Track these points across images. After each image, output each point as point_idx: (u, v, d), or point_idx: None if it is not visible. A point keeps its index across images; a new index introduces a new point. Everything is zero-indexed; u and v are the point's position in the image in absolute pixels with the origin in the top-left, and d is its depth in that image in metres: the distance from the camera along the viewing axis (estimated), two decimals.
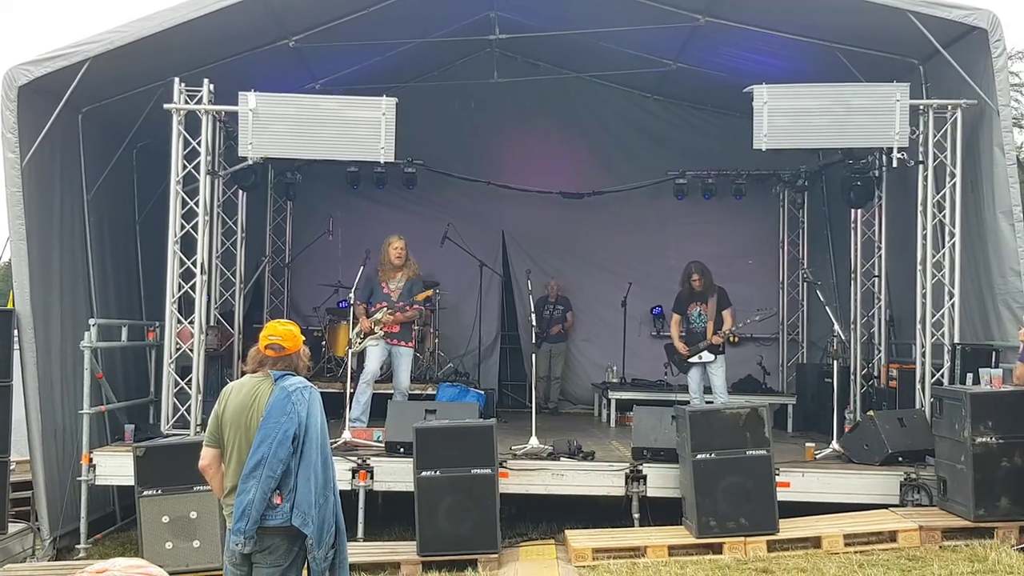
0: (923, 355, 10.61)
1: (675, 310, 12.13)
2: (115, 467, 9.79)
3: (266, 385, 5.56)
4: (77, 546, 9.85)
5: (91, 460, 9.88)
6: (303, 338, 5.83)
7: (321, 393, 5.83)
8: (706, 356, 11.70)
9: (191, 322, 10.58)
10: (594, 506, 10.22)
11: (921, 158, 10.63)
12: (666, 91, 15.50)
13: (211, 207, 11.09)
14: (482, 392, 13.39)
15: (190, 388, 10.43)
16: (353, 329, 11.15)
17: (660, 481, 9.65)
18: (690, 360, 11.78)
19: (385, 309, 11.08)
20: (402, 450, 9.66)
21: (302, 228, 16.05)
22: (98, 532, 10.32)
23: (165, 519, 8.57)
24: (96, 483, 9.92)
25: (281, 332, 5.69)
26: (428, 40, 13.32)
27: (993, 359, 9.87)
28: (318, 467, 5.45)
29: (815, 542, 8.70)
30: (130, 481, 8.88)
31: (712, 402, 11.48)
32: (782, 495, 9.14)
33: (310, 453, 5.43)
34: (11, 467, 10.00)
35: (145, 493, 8.64)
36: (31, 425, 9.94)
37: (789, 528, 8.90)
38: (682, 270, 12.23)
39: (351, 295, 11.15)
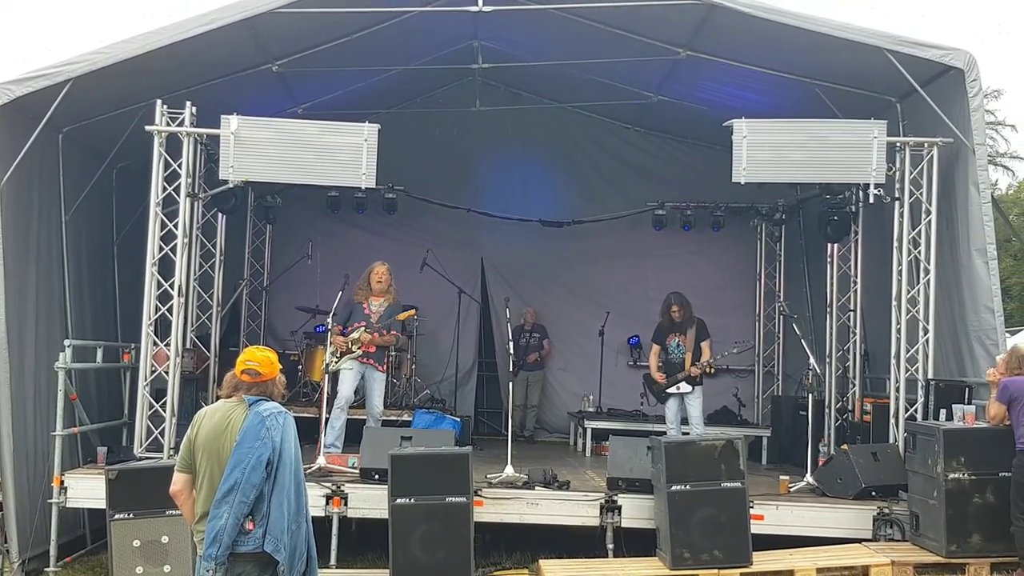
0: (897, 390, 10.67)
1: (654, 340, 12.14)
2: (87, 490, 9.71)
3: (240, 410, 5.54)
4: (46, 569, 9.74)
5: (62, 482, 9.80)
6: (280, 366, 5.82)
7: (296, 418, 5.83)
8: (684, 387, 11.71)
9: (167, 344, 10.55)
10: (569, 536, 10.18)
11: (897, 195, 10.73)
12: (647, 123, 15.60)
13: (190, 229, 11.06)
14: (458, 419, 13.34)
15: (164, 411, 10.37)
16: (328, 349, 11.12)
17: (635, 512, 9.64)
18: (668, 391, 11.80)
19: (363, 328, 11.07)
20: (377, 477, 9.63)
21: (281, 252, 16.02)
22: (68, 555, 10.21)
23: (136, 543, 8.50)
24: (67, 505, 9.83)
25: (259, 358, 5.68)
26: (411, 67, 13.37)
27: (967, 395, 9.94)
28: (291, 493, 5.43)
29: (788, 575, 8.70)
30: (101, 504, 8.82)
31: (688, 433, 11.49)
32: (756, 528, 9.15)
33: (283, 479, 5.41)
34: None
35: (116, 516, 8.58)
36: (2, 446, 9.82)
37: (762, 561, 8.90)
38: (660, 300, 12.27)
39: (329, 320, 11.13)
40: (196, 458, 5.54)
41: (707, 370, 11.84)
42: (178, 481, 5.63)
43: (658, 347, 12.02)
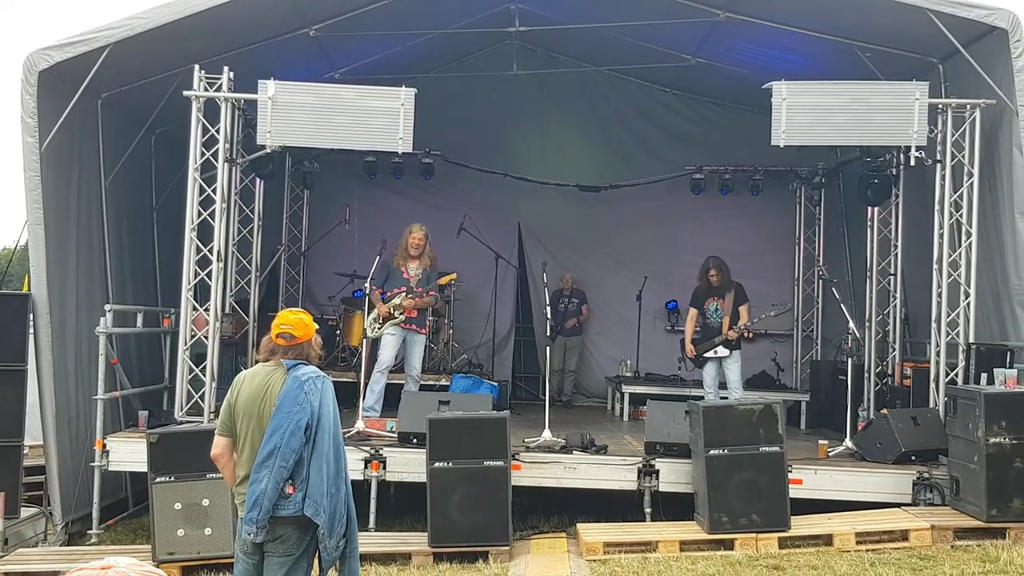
0: (938, 354, 10.58)
1: (692, 304, 12.09)
2: (128, 453, 9.83)
3: (279, 374, 5.56)
4: (89, 531, 9.91)
5: (104, 446, 9.92)
6: (316, 327, 5.82)
7: (335, 382, 5.85)
8: (721, 351, 11.67)
9: (206, 309, 10.61)
10: (606, 500, 10.21)
11: (939, 157, 10.59)
12: (685, 86, 15.49)
13: (228, 195, 11.10)
14: (496, 384, 13.38)
15: (204, 375, 10.46)
16: (369, 315, 11.16)
17: (673, 476, 9.65)
18: (705, 355, 11.76)
19: (404, 294, 11.12)
20: (415, 441, 9.68)
21: (319, 217, 16.06)
22: (110, 518, 10.40)
23: (177, 506, 8.59)
24: (109, 469, 9.97)
25: (292, 321, 5.69)
26: (448, 31, 13.32)
27: (1008, 359, 9.83)
28: (330, 457, 5.45)
29: (827, 540, 8.69)
30: (143, 467, 8.89)
31: (727, 398, 11.46)
32: (794, 492, 9.14)
33: (322, 443, 5.43)
34: (25, 451, 10.04)
35: (158, 480, 8.65)
36: (45, 410, 9.99)
37: (801, 525, 8.89)
38: (698, 265, 12.21)
39: (367, 284, 11.16)
40: (236, 422, 5.57)
41: (744, 334, 11.79)
42: (218, 445, 5.66)
43: (696, 311, 11.97)
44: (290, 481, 5.36)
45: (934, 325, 10.66)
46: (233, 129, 10.93)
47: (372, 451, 9.72)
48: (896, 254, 12.33)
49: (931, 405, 10.54)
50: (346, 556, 5.55)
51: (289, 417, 5.36)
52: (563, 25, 13.39)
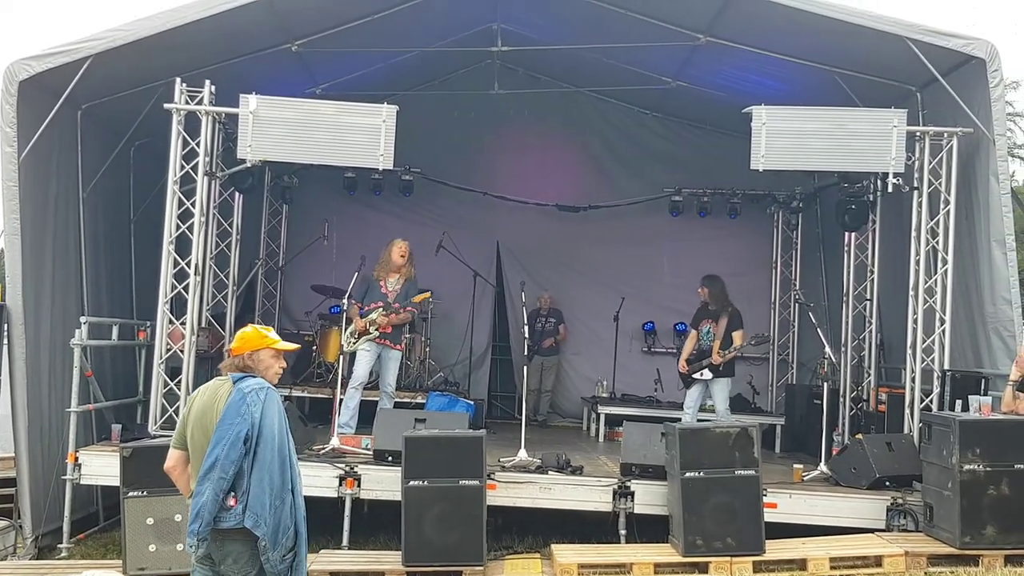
0: (913, 380, 10.63)
1: (691, 324, 12.10)
2: (101, 467, 9.75)
3: (226, 387, 5.57)
4: (59, 545, 9.80)
5: (77, 459, 9.84)
6: (269, 340, 5.69)
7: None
8: (706, 374, 11.63)
9: (182, 323, 10.56)
10: (581, 521, 10.20)
11: (916, 184, 10.67)
12: (665, 108, 15.54)
13: (207, 208, 11.06)
14: (472, 402, 13.33)
15: (179, 389, 10.39)
16: (347, 329, 11.13)
17: (648, 498, 9.63)
18: (692, 375, 11.75)
19: (380, 309, 11.09)
20: (390, 458, 9.63)
21: (297, 232, 16.02)
22: (81, 532, 10.30)
23: (149, 521, 8.52)
24: (81, 482, 9.88)
25: (238, 334, 5.73)
26: (430, 49, 13.33)
27: (983, 387, 9.90)
28: (274, 469, 5.40)
29: (801, 564, 8.69)
30: (115, 481, 8.83)
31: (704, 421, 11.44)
32: (769, 516, 9.12)
33: (264, 455, 5.39)
34: None
35: (130, 494, 8.58)
36: (17, 421, 9.90)
37: (775, 549, 8.88)
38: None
39: (345, 300, 11.13)
40: (189, 435, 5.58)
41: (722, 356, 11.75)
42: (171, 457, 5.68)
43: (694, 332, 11.95)
44: (232, 493, 5.35)
45: (909, 351, 10.72)
46: (213, 142, 10.88)
47: (347, 468, 9.66)
48: (872, 280, 12.41)
49: (905, 431, 10.59)
50: (293, 569, 5.52)
51: (229, 429, 5.35)
52: (545, 46, 13.42)
